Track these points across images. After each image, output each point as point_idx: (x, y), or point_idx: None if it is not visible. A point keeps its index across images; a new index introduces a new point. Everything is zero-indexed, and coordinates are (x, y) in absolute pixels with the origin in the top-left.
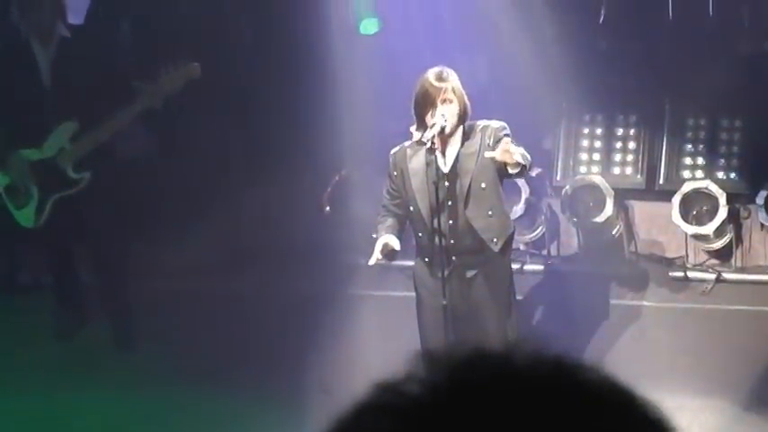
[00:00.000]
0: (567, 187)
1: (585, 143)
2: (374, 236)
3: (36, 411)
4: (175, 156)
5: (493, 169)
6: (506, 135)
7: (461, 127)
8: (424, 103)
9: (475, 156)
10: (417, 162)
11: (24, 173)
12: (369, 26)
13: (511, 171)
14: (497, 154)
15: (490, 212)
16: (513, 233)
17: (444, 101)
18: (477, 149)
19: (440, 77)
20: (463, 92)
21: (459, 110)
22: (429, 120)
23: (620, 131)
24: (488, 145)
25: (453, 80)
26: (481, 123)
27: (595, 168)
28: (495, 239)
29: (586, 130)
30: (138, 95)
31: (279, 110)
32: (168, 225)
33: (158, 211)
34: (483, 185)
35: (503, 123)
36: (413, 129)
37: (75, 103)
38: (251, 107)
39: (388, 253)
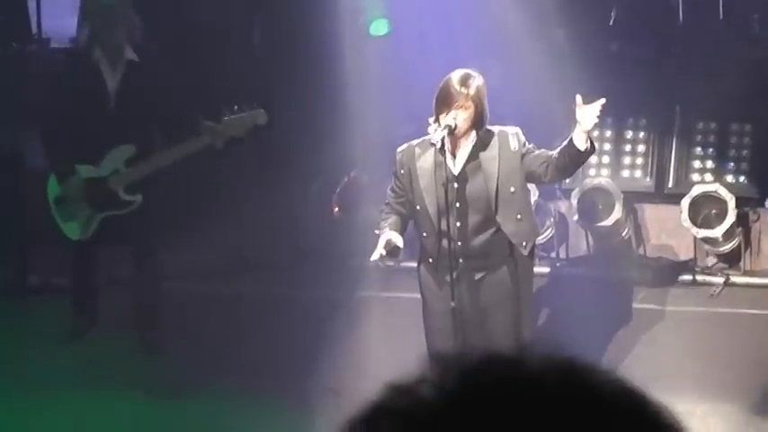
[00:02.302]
0: (577, 190)
1: (595, 146)
2: (376, 232)
3: (53, 418)
4: (185, 160)
5: (521, 174)
6: (524, 141)
7: (475, 132)
8: (442, 102)
9: (496, 160)
10: (426, 162)
11: (78, 188)
12: (379, 27)
13: (583, 147)
14: (587, 124)
15: (519, 216)
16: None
17: (461, 106)
18: (497, 154)
19: (462, 82)
20: (483, 99)
21: (474, 115)
22: (442, 120)
23: (629, 134)
24: (513, 151)
25: (475, 87)
26: (497, 129)
27: (605, 171)
28: (524, 243)
29: (596, 133)
30: (203, 132)
31: (289, 111)
32: (177, 228)
33: (166, 215)
34: (512, 189)
35: (517, 129)
36: (431, 120)
37: (135, 128)
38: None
39: (392, 249)
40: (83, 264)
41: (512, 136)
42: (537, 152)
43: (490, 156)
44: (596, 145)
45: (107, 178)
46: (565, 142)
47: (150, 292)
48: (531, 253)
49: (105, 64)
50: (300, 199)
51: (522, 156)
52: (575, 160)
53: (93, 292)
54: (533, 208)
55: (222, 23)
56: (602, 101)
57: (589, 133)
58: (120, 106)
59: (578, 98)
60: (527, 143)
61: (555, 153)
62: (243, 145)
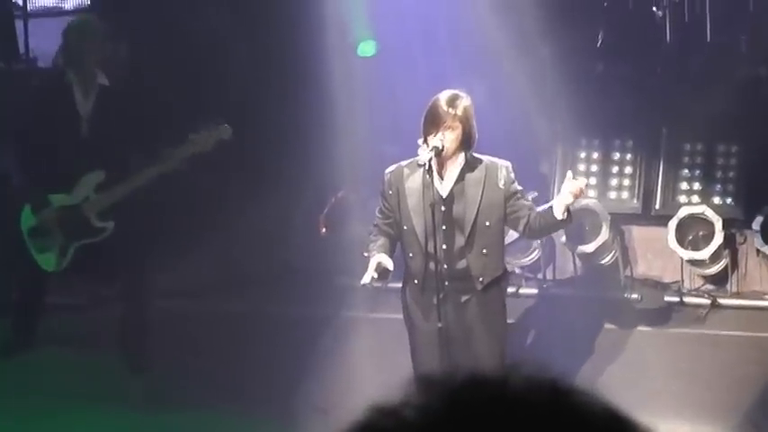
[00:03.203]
0: None
1: (582, 167)
2: (365, 254)
3: None
4: (173, 177)
5: (500, 210)
6: (513, 178)
7: (464, 154)
8: (430, 122)
9: (480, 188)
10: (414, 182)
11: (52, 218)
12: (367, 48)
13: (560, 217)
14: (568, 198)
15: (485, 251)
16: (502, 275)
17: (448, 127)
18: (482, 184)
19: (450, 102)
20: (471, 119)
21: (461, 137)
22: (430, 141)
23: (616, 156)
24: (500, 186)
25: (462, 107)
26: (485, 159)
27: (592, 193)
28: (480, 278)
29: (583, 155)
30: (166, 159)
31: (276, 130)
32: (164, 246)
33: (154, 232)
34: (487, 223)
35: (508, 163)
36: (420, 141)
37: (104, 153)
38: (249, 127)
39: (382, 272)
40: (36, 283)
41: (501, 169)
42: (520, 202)
43: (475, 183)
44: (584, 167)
45: (79, 205)
46: (546, 206)
47: (135, 312)
48: (489, 287)
49: (78, 89)
50: (288, 217)
51: (507, 197)
52: (549, 227)
53: (33, 312)
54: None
55: (209, 43)
56: (585, 182)
57: (569, 206)
58: (91, 132)
59: (569, 173)
60: (515, 183)
61: (534, 212)
62: (230, 163)
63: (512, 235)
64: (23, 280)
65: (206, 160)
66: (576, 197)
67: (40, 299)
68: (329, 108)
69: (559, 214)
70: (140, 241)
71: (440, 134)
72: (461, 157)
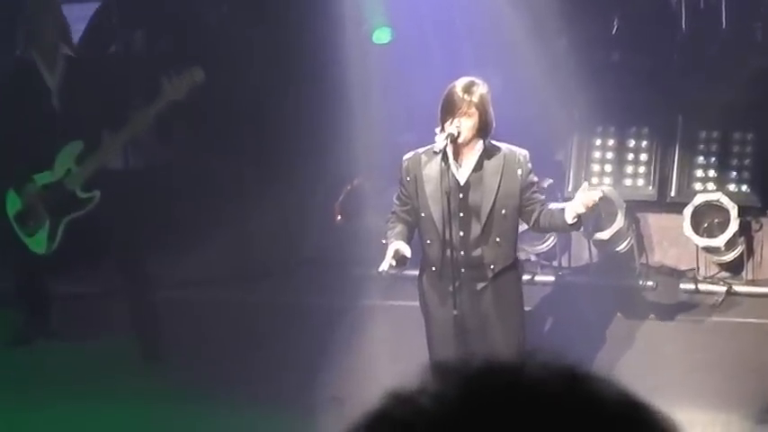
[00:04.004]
0: None
1: (597, 155)
2: (384, 241)
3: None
4: (188, 167)
5: (517, 198)
6: (530, 167)
7: (482, 141)
8: (447, 110)
9: (498, 177)
10: (432, 169)
11: (37, 197)
12: (382, 36)
13: (570, 222)
14: (579, 207)
15: (498, 239)
16: (512, 263)
17: (464, 114)
18: (500, 172)
19: (467, 89)
20: (488, 106)
21: (478, 124)
22: (447, 127)
23: (632, 143)
24: (518, 175)
25: (479, 94)
26: (504, 147)
27: (607, 180)
28: (492, 266)
29: (598, 142)
30: (141, 116)
31: (291, 119)
32: (180, 235)
33: (170, 222)
34: (504, 212)
35: (525, 152)
36: (437, 129)
37: (81, 123)
38: (263, 116)
39: (400, 259)
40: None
41: (519, 158)
42: (535, 195)
43: (493, 171)
44: (599, 154)
45: (62, 180)
46: (558, 206)
47: (148, 300)
48: (499, 274)
49: (42, 64)
50: (303, 206)
51: (523, 187)
52: (557, 227)
53: (43, 302)
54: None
55: (224, 31)
56: (600, 194)
57: (582, 216)
58: (63, 104)
59: (585, 184)
60: (532, 173)
61: (545, 208)
62: (245, 152)
63: None
64: (19, 268)
65: (223, 149)
66: (588, 209)
67: (39, 285)
68: (344, 96)
69: (570, 219)
70: (137, 228)
71: (456, 121)
72: (479, 145)
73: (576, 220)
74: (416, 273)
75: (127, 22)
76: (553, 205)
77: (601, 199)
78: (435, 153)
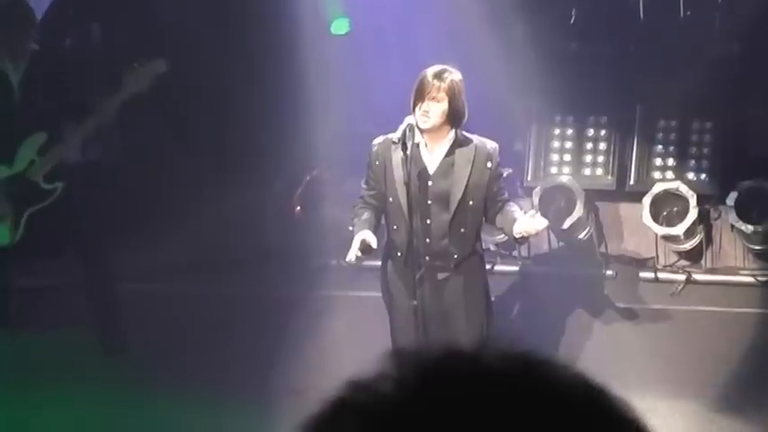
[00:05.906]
0: (538, 188)
1: (556, 144)
2: (350, 228)
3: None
4: (148, 159)
5: (485, 190)
6: (499, 160)
7: (454, 131)
8: (417, 94)
9: (468, 167)
10: (401, 155)
11: None
12: (340, 26)
13: (514, 236)
14: (524, 227)
15: (463, 230)
16: (471, 253)
17: (433, 98)
18: (471, 163)
19: (437, 75)
20: (459, 95)
21: (448, 111)
22: (416, 112)
23: (590, 132)
24: (488, 167)
25: (449, 80)
26: (475, 138)
27: (566, 169)
28: (456, 255)
29: (557, 132)
30: (104, 107)
31: (250, 110)
32: (139, 229)
33: (129, 216)
34: (471, 203)
35: (495, 144)
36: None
37: (43, 115)
38: (222, 108)
39: (366, 248)
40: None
41: (489, 151)
42: (499, 192)
43: (464, 161)
44: (558, 144)
45: (24, 172)
46: (514, 214)
47: (107, 293)
48: (460, 263)
49: (7, 59)
50: (262, 198)
51: (492, 179)
52: (505, 232)
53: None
54: None
55: (183, 23)
56: (545, 224)
57: (523, 236)
58: (25, 97)
59: (532, 211)
60: (499, 166)
61: (505, 207)
62: (204, 144)
63: None
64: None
65: (181, 141)
66: (531, 235)
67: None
68: (302, 87)
69: (516, 234)
70: (99, 220)
71: (425, 104)
72: (451, 134)
73: (520, 236)
74: (378, 263)
75: (87, 15)
76: (511, 207)
77: (546, 228)
78: (394, 143)
